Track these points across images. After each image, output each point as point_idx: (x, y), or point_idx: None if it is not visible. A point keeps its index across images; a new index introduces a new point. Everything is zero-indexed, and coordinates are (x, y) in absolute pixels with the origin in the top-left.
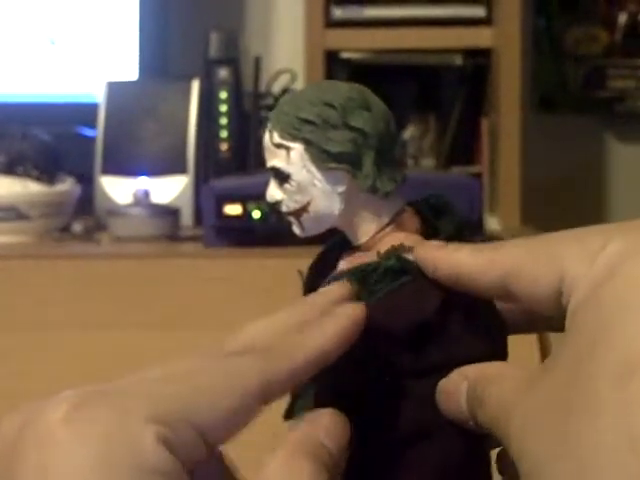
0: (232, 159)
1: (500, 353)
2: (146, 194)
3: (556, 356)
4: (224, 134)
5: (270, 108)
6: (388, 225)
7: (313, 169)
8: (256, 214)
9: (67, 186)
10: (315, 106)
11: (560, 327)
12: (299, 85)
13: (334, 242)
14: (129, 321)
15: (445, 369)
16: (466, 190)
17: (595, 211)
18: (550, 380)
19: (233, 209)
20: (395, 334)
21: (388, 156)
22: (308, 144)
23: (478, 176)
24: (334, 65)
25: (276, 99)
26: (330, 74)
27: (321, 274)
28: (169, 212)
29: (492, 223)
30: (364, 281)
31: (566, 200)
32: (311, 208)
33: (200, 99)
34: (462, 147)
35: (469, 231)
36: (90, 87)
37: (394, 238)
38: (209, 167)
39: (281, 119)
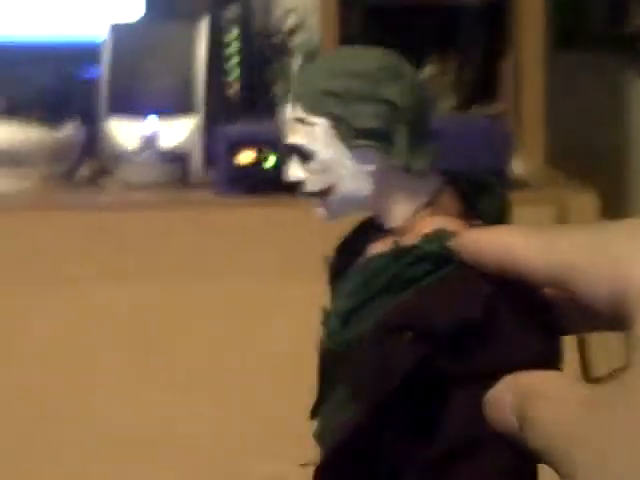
0: (242, 100)
1: (555, 355)
2: (154, 137)
3: (635, 376)
4: (234, 74)
5: (280, 48)
6: (425, 207)
7: (340, 147)
8: (269, 162)
9: (71, 130)
10: (341, 77)
11: (621, 327)
12: (310, 24)
13: (362, 223)
14: (138, 273)
15: (494, 374)
16: (496, 138)
17: (617, 150)
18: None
19: (246, 156)
20: (436, 334)
21: (422, 129)
22: (334, 120)
23: (499, 116)
24: (349, 5)
25: (285, 38)
26: (344, 14)
27: (348, 259)
28: (178, 157)
29: (515, 166)
30: (399, 264)
31: (588, 139)
32: (337, 189)
33: (209, 38)
34: (483, 86)
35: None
36: (94, 28)
37: (432, 222)
38: (218, 108)
39: (303, 91)
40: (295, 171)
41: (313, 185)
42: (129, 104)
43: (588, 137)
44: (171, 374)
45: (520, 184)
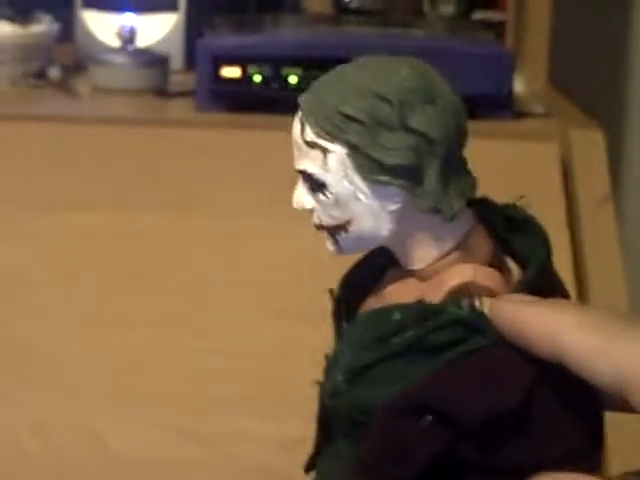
0: None
1: (594, 450)
2: (132, 33)
3: None
4: None
5: None
6: (453, 251)
7: (357, 180)
8: (257, 78)
9: (44, 26)
10: (364, 98)
11: None
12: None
13: (374, 252)
14: (108, 198)
15: (526, 470)
16: (497, 63)
17: (622, 65)
18: None
19: (231, 71)
20: (464, 424)
21: (456, 163)
22: (353, 149)
23: (501, 25)
24: None
25: None
26: None
27: (357, 294)
28: (157, 61)
29: (516, 84)
30: (423, 325)
31: (591, 53)
32: (352, 228)
33: None
34: None
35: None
36: None
37: (461, 271)
38: (203, 3)
39: (317, 110)
40: (302, 198)
41: (323, 219)
42: None
43: (592, 50)
44: (148, 301)
45: (522, 113)
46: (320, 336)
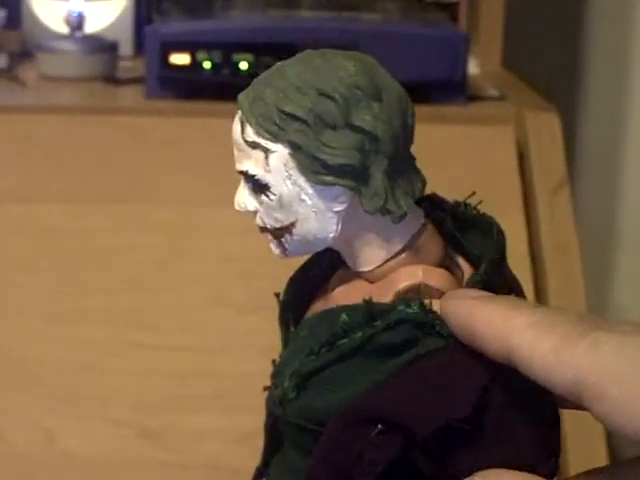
0: None
1: (550, 458)
2: (80, 19)
3: None
4: None
5: None
6: (402, 252)
7: (301, 181)
8: (207, 64)
9: None
10: (306, 96)
11: None
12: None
13: (321, 252)
14: (56, 190)
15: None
16: (450, 44)
17: (576, 46)
18: None
19: (180, 58)
20: (415, 433)
21: (404, 161)
22: (295, 148)
23: (455, 6)
24: None
25: None
26: None
27: (304, 293)
28: (106, 47)
29: (470, 67)
30: (372, 326)
31: (546, 35)
32: (296, 230)
33: None
34: None
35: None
36: None
37: (410, 272)
38: None
39: (257, 108)
40: (244, 199)
41: (266, 221)
42: None
43: (546, 31)
44: (98, 296)
45: (476, 96)
46: (272, 328)
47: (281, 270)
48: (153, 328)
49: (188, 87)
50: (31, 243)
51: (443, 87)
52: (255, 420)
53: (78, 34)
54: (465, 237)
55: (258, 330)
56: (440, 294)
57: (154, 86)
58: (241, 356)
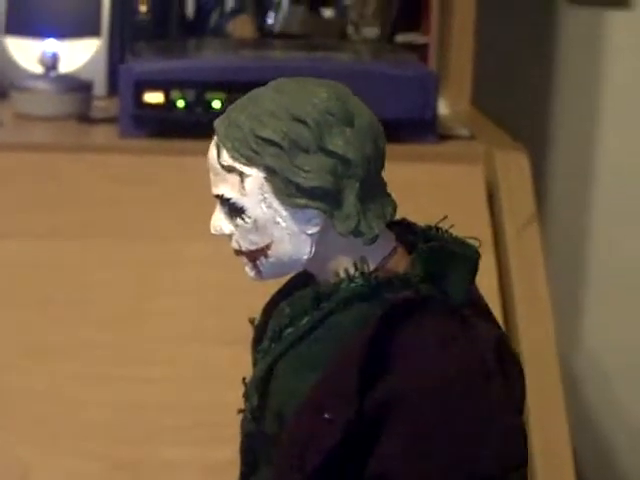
0: (152, 22)
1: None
2: (54, 59)
3: None
4: None
5: None
6: (374, 273)
7: (276, 204)
8: (180, 103)
9: None
10: (281, 121)
11: None
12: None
13: (294, 278)
14: (32, 226)
15: None
16: (420, 84)
17: (544, 85)
18: None
19: (154, 97)
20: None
21: (375, 185)
22: (270, 172)
23: (425, 47)
24: None
25: None
26: None
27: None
28: (80, 87)
29: (440, 106)
30: (314, 310)
31: (515, 74)
32: (271, 252)
33: None
34: (409, 14)
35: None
36: None
37: None
38: (125, 30)
39: (233, 133)
40: (220, 223)
41: (242, 244)
42: (29, 22)
43: (515, 71)
44: (74, 330)
45: (446, 135)
46: (247, 360)
47: (255, 302)
48: (128, 362)
49: (162, 126)
50: (6, 278)
51: (414, 126)
52: (231, 451)
53: (52, 74)
54: (435, 261)
55: (233, 362)
56: None
57: (128, 125)
58: (216, 388)
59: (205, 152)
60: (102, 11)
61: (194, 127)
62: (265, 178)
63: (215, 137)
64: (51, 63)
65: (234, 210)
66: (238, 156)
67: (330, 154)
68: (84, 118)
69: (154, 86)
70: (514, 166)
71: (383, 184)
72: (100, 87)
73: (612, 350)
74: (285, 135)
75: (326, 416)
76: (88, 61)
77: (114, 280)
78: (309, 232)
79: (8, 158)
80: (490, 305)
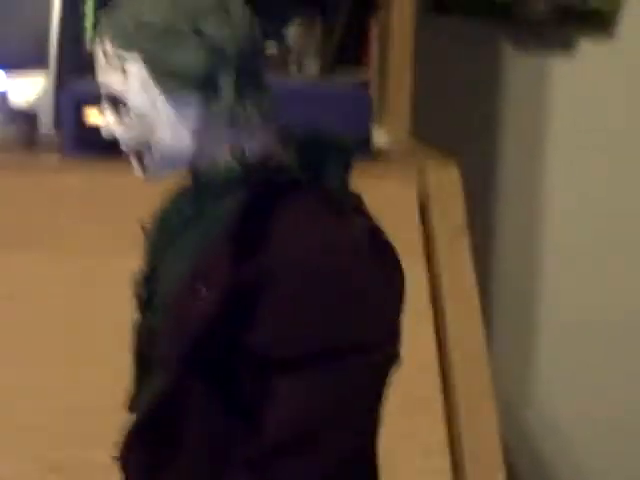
0: None
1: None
2: (3, 96)
3: None
4: (91, 25)
5: None
6: None
7: (154, 91)
8: None
9: None
10: (158, 5)
11: None
12: None
13: (188, 187)
14: None
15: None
16: (355, 103)
17: (485, 121)
18: None
19: (96, 116)
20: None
21: (252, 74)
22: (148, 55)
23: (366, 83)
24: None
25: None
26: None
27: None
28: (27, 116)
29: (379, 135)
30: (196, 202)
31: (457, 108)
32: (154, 143)
33: None
34: (349, 50)
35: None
36: None
37: None
38: (73, 64)
39: (114, 21)
40: (108, 121)
41: (128, 140)
42: None
43: (457, 108)
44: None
45: (381, 155)
46: None
47: None
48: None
49: (104, 145)
50: None
51: None
52: None
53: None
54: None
55: None
56: None
57: (70, 145)
58: None
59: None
60: (50, 45)
61: None
62: (141, 64)
63: (98, 28)
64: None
65: (118, 102)
66: (117, 41)
67: (206, 38)
68: (29, 146)
69: (96, 104)
70: (445, 179)
71: (262, 79)
72: (46, 121)
73: (563, 402)
74: (163, 20)
75: (200, 290)
76: (35, 95)
77: (38, 288)
78: (188, 121)
79: None
80: (421, 309)
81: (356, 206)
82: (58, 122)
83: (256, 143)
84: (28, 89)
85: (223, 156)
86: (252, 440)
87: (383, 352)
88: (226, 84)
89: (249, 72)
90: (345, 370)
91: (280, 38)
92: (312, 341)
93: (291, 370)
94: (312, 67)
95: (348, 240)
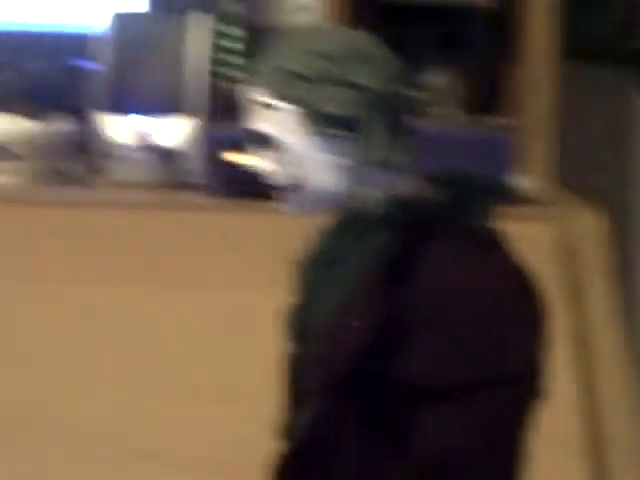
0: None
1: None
2: (148, 135)
3: None
4: (237, 73)
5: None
6: None
7: (310, 136)
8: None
9: (62, 124)
10: (309, 58)
11: None
12: (318, 21)
13: (339, 222)
14: (122, 275)
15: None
16: (496, 148)
17: (624, 167)
18: None
19: (239, 157)
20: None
21: (399, 120)
22: (302, 104)
23: (507, 129)
24: (358, 4)
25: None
26: (354, 13)
27: None
28: (171, 156)
29: (522, 181)
30: (345, 236)
31: (600, 156)
32: (308, 184)
33: (211, 34)
34: (490, 96)
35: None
36: (92, 18)
37: None
38: (220, 109)
39: (268, 72)
40: (261, 162)
41: (280, 178)
42: (126, 100)
43: (597, 154)
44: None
45: (524, 200)
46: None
47: None
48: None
49: (247, 186)
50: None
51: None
52: None
53: (146, 147)
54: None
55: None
56: None
57: (214, 185)
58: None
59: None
60: (197, 91)
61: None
62: (297, 111)
63: (251, 79)
64: (145, 139)
65: (272, 145)
66: (272, 92)
67: (353, 85)
68: (174, 186)
69: (238, 147)
70: (592, 226)
71: (410, 128)
72: (192, 163)
73: None
74: (313, 69)
75: (353, 323)
76: (181, 138)
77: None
78: (341, 162)
79: (100, 215)
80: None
81: (502, 245)
82: (204, 164)
83: (405, 183)
84: (174, 132)
85: (375, 196)
86: (399, 468)
87: (524, 385)
88: (377, 126)
89: (396, 115)
90: (486, 402)
91: (421, 83)
92: (457, 373)
93: (437, 401)
94: (452, 113)
95: (493, 277)
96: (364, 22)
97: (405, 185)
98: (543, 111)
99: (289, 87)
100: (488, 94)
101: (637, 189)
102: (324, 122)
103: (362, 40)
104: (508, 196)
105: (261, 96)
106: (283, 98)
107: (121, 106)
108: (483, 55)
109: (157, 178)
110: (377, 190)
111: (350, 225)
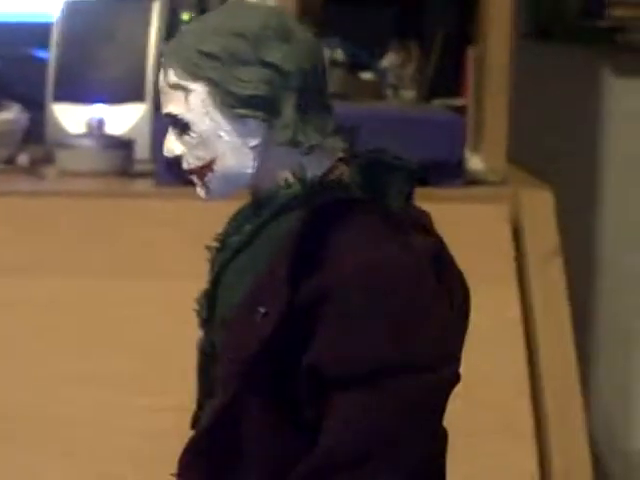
0: None
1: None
2: (100, 123)
3: None
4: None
5: None
6: None
7: (218, 117)
8: None
9: (13, 114)
10: (221, 37)
11: None
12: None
13: (249, 204)
14: (72, 266)
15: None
16: (447, 128)
17: (587, 149)
18: None
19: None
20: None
21: (315, 100)
22: (211, 85)
23: (462, 110)
24: None
25: None
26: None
27: None
28: (122, 145)
29: (475, 162)
30: (254, 217)
31: (557, 137)
32: (217, 167)
33: (161, 21)
34: (445, 78)
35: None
36: (44, 6)
37: None
38: None
39: (178, 53)
40: (172, 144)
41: (191, 161)
42: (77, 88)
43: (557, 135)
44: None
45: (475, 181)
46: None
47: None
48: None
49: None
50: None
51: (442, 169)
52: None
53: (97, 136)
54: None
55: None
56: None
57: (164, 172)
58: None
59: (238, 197)
60: (147, 78)
61: None
62: (207, 92)
63: (162, 60)
64: (97, 128)
65: (181, 127)
66: (182, 72)
67: (267, 65)
68: (123, 173)
69: None
70: (538, 203)
71: (326, 102)
72: (144, 152)
73: None
74: (224, 48)
75: (260, 310)
76: (133, 126)
77: (137, 314)
78: (251, 144)
79: (48, 205)
80: (513, 333)
81: (423, 226)
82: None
83: (317, 163)
84: (125, 120)
85: (284, 176)
86: (309, 457)
87: (438, 373)
88: (288, 106)
89: (312, 95)
90: (397, 390)
91: (376, 66)
92: (364, 360)
93: (347, 388)
94: (408, 95)
95: (407, 259)
96: (318, 5)
97: (316, 164)
98: (498, 91)
99: (199, 67)
100: (445, 75)
101: (608, 167)
102: (234, 102)
103: (280, 18)
104: (458, 177)
105: (171, 77)
106: (193, 79)
107: (73, 94)
108: (437, 36)
109: (107, 167)
110: (287, 169)
111: (258, 207)
